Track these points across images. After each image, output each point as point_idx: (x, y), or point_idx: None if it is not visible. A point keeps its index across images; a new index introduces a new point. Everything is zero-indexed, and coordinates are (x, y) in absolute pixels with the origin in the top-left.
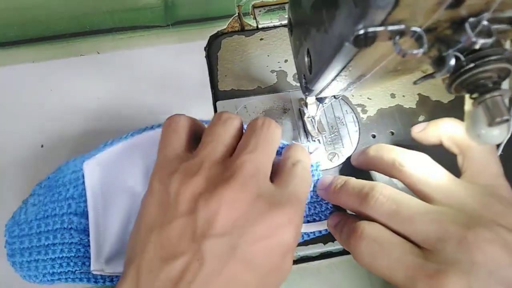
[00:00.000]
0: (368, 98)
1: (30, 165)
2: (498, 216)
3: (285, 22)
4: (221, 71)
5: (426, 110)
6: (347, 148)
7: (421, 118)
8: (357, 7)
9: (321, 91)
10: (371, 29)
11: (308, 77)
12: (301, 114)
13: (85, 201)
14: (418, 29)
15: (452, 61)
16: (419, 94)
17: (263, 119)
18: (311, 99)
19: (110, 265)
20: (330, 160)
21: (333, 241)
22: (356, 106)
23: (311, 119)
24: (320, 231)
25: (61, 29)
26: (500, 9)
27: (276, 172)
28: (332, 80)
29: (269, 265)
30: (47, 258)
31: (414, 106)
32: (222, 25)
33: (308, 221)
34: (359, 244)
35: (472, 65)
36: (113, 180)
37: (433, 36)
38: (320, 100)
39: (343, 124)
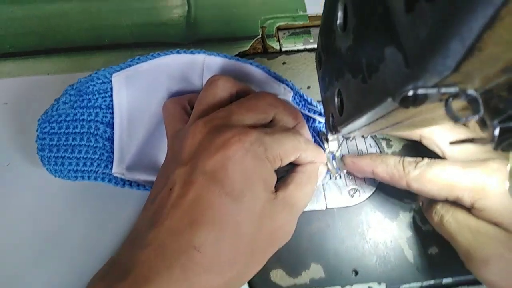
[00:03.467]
0: None
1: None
2: None
3: (309, 46)
4: None
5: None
6: (369, 184)
7: None
8: (409, 67)
9: (349, 133)
10: (421, 91)
11: (338, 118)
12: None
13: (112, 112)
14: (473, 93)
15: (497, 131)
16: None
17: (259, 94)
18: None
19: (130, 172)
20: (351, 196)
21: None
22: (381, 140)
23: (331, 156)
24: None
25: (79, 41)
26: None
27: None
28: (364, 126)
29: (227, 178)
30: (73, 157)
31: None
32: (245, 46)
33: None
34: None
35: None
36: (138, 95)
37: (483, 98)
38: (345, 137)
39: None
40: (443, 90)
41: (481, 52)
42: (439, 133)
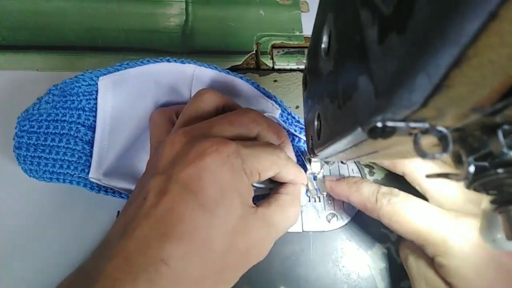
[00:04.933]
0: None
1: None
2: None
3: (302, 66)
4: None
5: None
6: (348, 211)
7: None
8: (378, 99)
9: (327, 157)
10: (390, 123)
11: (316, 142)
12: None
13: (95, 116)
14: (444, 130)
15: (472, 169)
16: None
17: (244, 110)
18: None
19: (106, 178)
20: (328, 221)
21: None
22: (364, 167)
23: (313, 177)
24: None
25: (73, 40)
26: None
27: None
28: (340, 152)
29: (201, 189)
30: (50, 157)
31: None
32: (238, 61)
33: None
34: None
35: (499, 170)
36: (124, 101)
37: (457, 135)
38: (325, 161)
39: None
40: (412, 124)
41: (449, 89)
42: (421, 172)
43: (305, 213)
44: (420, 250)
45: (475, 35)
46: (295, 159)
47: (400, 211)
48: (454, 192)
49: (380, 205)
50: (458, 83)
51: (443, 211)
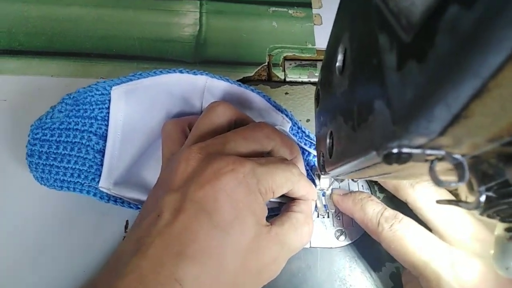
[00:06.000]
0: None
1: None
2: None
3: (314, 79)
4: None
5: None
6: (357, 228)
7: None
8: (395, 125)
9: (338, 175)
10: (405, 150)
11: (327, 160)
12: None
13: (107, 125)
14: (460, 158)
15: (483, 198)
16: None
17: (258, 125)
18: None
19: (116, 187)
20: (337, 238)
21: None
22: (374, 184)
23: (321, 193)
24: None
25: (88, 47)
26: None
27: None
28: (351, 171)
29: (217, 210)
30: (61, 166)
31: None
32: (250, 72)
33: None
34: None
35: None
36: (136, 111)
37: (471, 162)
38: (335, 179)
39: None
40: (428, 151)
41: (468, 120)
42: (424, 202)
43: (313, 229)
44: (416, 280)
45: (498, 68)
46: (305, 174)
47: (400, 239)
48: (460, 228)
49: (381, 229)
50: (478, 113)
51: (443, 245)
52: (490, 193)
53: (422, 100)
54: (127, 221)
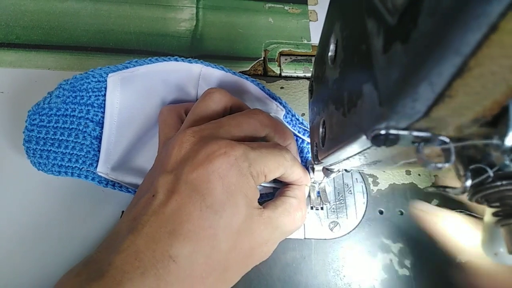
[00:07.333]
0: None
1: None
2: None
3: (309, 74)
4: None
5: (441, 194)
6: (351, 220)
7: (434, 202)
8: (382, 106)
9: (331, 165)
10: (393, 131)
11: (320, 149)
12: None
13: (103, 112)
14: (446, 140)
15: (469, 182)
16: (436, 176)
17: (252, 112)
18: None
19: (114, 172)
20: (331, 230)
21: None
22: (368, 176)
23: (315, 186)
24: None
25: (85, 41)
26: None
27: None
28: (344, 159)
29: (209, 191)
30: (59, 151)
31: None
32: (245, 67)
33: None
34: None
35: (501, 182)
36: (132, 98)
37: (458, 148)
38: (329, 171)
39: (351, 193)
40: (415, 133)
41: (451, 99)
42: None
43: (307, 220)
44: None
45: (477, 46)
46: (299, 160)
47: None
48: None
49: None
50: (460, 93)
51: None
52: (476, 178)
53: (407, 80)
54: (122, 211)
